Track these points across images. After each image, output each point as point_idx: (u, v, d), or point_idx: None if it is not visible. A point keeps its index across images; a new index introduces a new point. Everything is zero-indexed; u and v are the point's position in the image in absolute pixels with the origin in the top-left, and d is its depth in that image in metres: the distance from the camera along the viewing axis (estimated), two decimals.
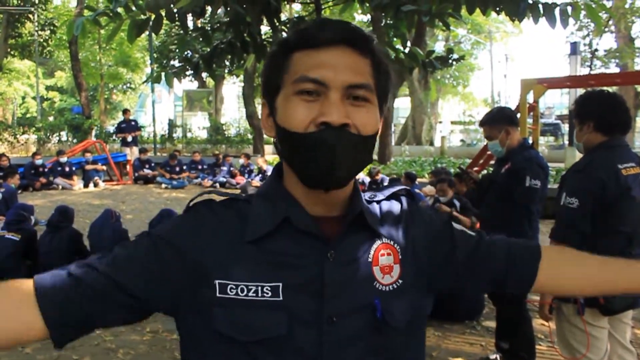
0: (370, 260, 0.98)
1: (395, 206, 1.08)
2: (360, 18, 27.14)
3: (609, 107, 2.70)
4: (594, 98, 2.80)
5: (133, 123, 16.29)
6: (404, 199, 1.11)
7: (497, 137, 3.64)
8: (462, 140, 34.40)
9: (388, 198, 1.09)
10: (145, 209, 10.77)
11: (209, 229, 0.96)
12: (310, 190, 0.95)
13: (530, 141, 5.50)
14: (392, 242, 1.02)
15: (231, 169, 14.68)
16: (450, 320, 4.86)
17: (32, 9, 27.58)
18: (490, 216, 3.84)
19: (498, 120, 3.67)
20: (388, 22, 18.16)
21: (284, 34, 6.77)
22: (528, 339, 3.79)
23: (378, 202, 1.07)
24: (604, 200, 2.54)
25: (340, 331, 0.92)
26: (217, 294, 0.91)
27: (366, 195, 1.07)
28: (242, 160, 14.82)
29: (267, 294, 0.91)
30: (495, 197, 3.70)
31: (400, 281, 0.99)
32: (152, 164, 15.23)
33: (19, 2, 27.72)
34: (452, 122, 43.13)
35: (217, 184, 14.03)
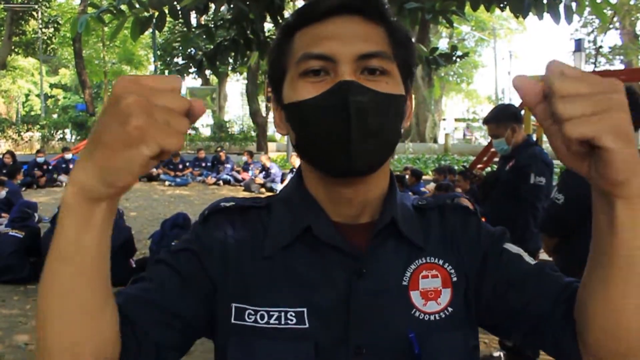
0: (406, 283, 0.81)
1: (452, 218, 0.89)
2: None
3: None
4: None
5: None
6: (463, 211, 0.91)
7: (502, 135, 3.62)
8: (465, 137, 34.38)
9: (443, 207, 0.90)
10: (149, 206, 10.78)
11: (225, 244, 0.82)
12: (332, 185, 0.81)
13: (535, 138, 5.47)
14: (441, 262, 0.83)
15: (233, 166, 14.70)
16: None
17: (36, 6, 27.65)
18: (494, 213, 3.82)
19: (503, 118, 3.65)
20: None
21: None
22: None
23: (430, 209, 0.89)
24: None
25: None
26: (232, 320, 0.79)
27: (414, 200, 0.90)
28: (245, 158, 14.79)
29: (292, 320, 0.77)
30: (500, 194, 3.69)
31: (450, 309, 0.81)
32: None
33: (23, 0, 27.78)
34: (456, 120, 43.13)
35: (221, 181, 14.04)
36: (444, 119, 39.35)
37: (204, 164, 15.37)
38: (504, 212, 3.63)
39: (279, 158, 19.04)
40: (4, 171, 12.18)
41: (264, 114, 22.89)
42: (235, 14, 5.80)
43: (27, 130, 24.30)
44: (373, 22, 0.79)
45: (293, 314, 0.77)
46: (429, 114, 26.78)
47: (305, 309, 0.78)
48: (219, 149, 17.12)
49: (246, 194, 12.51)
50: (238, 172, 14.46)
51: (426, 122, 26.43)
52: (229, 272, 0.80)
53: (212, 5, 5.73)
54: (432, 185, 9.39)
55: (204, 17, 10.92)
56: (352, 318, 0.77)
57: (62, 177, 13.66)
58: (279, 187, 12.94)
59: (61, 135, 25.90)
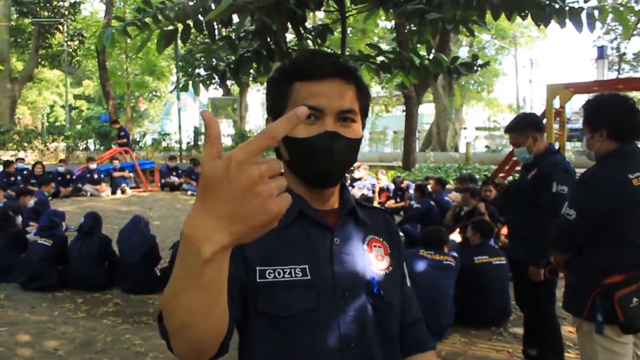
0: (365, 248, 1.24)
1: (378, 214, 1.37)
2: (384, 24, 27.19)
3: (621, 112, 2.57)
4: (604, 103, 2.66)
5: (122, 133, 16.85)
6: (383, 213, 1.40)
7: (524, 144, 3.62)
8: (487, 147, 34.12)
9: (372, 209, 1.37)
10: (172, 216, 10.91)
11: None
12: (312, 187, 1.20)
13: (557, 147, 5.45)
14: (381, 239, 1.29)
15: None
16: (476, 326, 4.84)
17: (62, 20, 28.17)
18: (517, 223, 3.83)
19: (524, 127, 3.65)
20: (412, 29, 18.20)
21: (309, 42, 6.85)
22: (557, 346, 3.76)
23: (367, 207, 1.34)
24: (610, 212, 2.46)
25: (350, 304, 1.16)
26: (258, 279, 1.10)
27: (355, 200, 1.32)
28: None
29: (299, 274, 1.12)
30: (522, 203, 3.69)
31: (391, 268, 1.27)
32: (180, 171, 15.46)
33: (50, 14, 28.36)
34: (477, 128, 42.83)
35: None
36: (464, 128, 39.16)
37: None
38: (525, 221, 3.64)
39: None
40: (33, 181, 12.44)
41: None
42: (258, 25, 5.90)
43: (53, 141, 24.70)
44: (348, 83, 1.17)
45: (299, 270, 1.13)
46: (450, 122, 26.67)
47: (307, 266, 1.13)
48: None
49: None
50: None
51: (447, 131, 26.32)
52: (251, 246, 0.96)
53: (236, 17, 5.83)
54: (454, 194, 9.37)
55: (226, 29, 11.06)
56: (335, 271, 1.16)
57: (87, 187, 13.86)
58: None
59: (85, 145, 26.28)
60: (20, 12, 27.63)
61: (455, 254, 4.84)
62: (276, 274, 1.11)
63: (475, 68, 6.98)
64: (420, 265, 4.62)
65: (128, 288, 5.87)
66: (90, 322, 4.93)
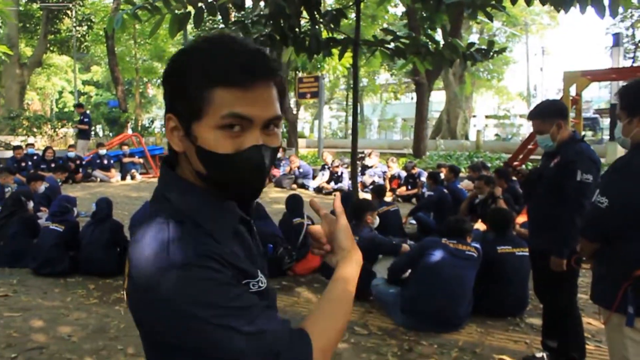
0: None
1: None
2: (394, 11, 26.95)
3: None
4: None
5: (85, 119, 16.34)
6: None
7: (547, 131, 3.52)
8: (496, 135, 33.90)
9: None
10: None
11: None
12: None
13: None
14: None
15: None
16: (492, 316, 4.77)
17: (70, 5, 28.08)
18: (538, 211, 3.74)
19: (549, 114, 3.55)
20: (423, 15, 18.00)
21: (322, 27, 6.75)
22: (579, 338, 3.69)
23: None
24: None
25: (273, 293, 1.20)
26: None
27: None
28: (279, 155, 14.76)
29: (263, 281, 1.09)
30: (544, 191, 3.60)
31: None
32: None
33: None
34: (487, 116, 42.56)
35: None
36: (474, 116, 38.91)
37: None
38: (547, 210, 3.55)
39: (310, 154, 19.01)
40: (43, 166, 12.44)
41: (294, 111, 22.89)
42: (272, 9, 5.80)
43: (62, 127, 24.72)
44: (273, 84, 1.04)
45: (262, 279, 1.08)
46: (460, 110, 26.49)
47: (261, 267, 1.12)
48: None
49: (278, 190, 12.53)
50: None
51: (457, 118, 26.15)
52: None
53: (249, 1, 5.74)
54: (466, 182, 9.29)
55: (239, 13, 10.93)
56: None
57: (97, 173, 13.86)
58: (311, 183, 12.91)
59: (94, 132, 26.31)
60: None
61: (477, 246, 4.77)
62: (256, 284, 1.09)
63: (492, 55, 6.87)
64: (442, 254, 4.55)
65: None
66: (103, 308, 4.90)
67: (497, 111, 41.60)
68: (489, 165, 11.95)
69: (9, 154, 14.61)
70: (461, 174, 9.89)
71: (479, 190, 7.25)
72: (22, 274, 5.90)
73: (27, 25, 29.91)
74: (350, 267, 1.18)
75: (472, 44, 6.66)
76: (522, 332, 4.53)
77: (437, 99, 37.82)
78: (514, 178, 6.17)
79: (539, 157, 4.26)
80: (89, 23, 29.72)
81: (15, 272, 5.98)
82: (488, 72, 37.66)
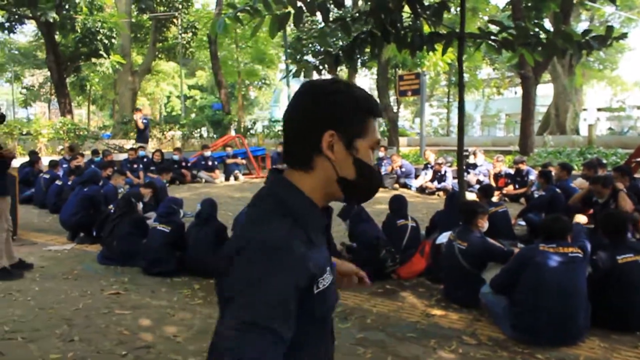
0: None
1: None
2: (496, 2, 25.92)
3: None
4: None
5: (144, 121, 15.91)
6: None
7: None
8: (610, 129, 31.75)
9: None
10: None
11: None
12: (328, 202, 1.34)
13: None
14: None
15: None
16: (618, 330, 4.32)
17: (176, 13, 29.38)
18: None
19: None
20: (528, 4, 17.11)
21: (424, 22, 6.48)
22: None
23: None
24: None
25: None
26: (315, 291, 1.17)
27: None
28: (381, 154, 14.50)
29: (330, 275, 1.24)
30: None
31: None
32: None
33: (165, 8, 29.68)
34: (599, 109, 39.98)
35: None
36: (584, 109, 36.60)
37: None
38: None
39: (411, 153, 18.64)
40: (152, 168, 13.02)
41: (394, 109, 22.59)
42: (373, 4, 5.64)
43: (170, 130, 25.93)
44: None
45: (329, 270, 1.25)
46: (570, 104, 24.95)
47: (329, 266, 1.26)
48: None
49: (380, 190, 12.33)
50: None
51: (566, 112, 24.66)
52: (313, 264, 1.18)
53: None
54: (580, 181, 8.63)
55: (339, 11, 10.88)
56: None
57: (202, 174, 14.31)
58: (413, 182, 12.60)
59: (199, 134, 27.36)
60: (139, 9, 29.10)
61: (583, 243, 4.35)
62: (325, 281, 1.21)
63: (610, 42, 6.30)
64: (544, 262, 4.16)
65: None
66: (207, 309, 4.95)
67: (610, 103, 38.94)
68: (605, 161, 11.11)
69: (123, 156, 15.43)
70: (575, 172, 9.24)
71: (598, 195, 6.68)
72: (133, 273, 6.12)
73: (138, 35, 31.68)
74: None
75: (588, 31, 6.14)
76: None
77: (544, 93, 35.98)
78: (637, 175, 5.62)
79: None
80: (193, 30, 30.94)
81: (126, 270, 6.21)
82: (600, 62, 35.29)
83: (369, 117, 1.29)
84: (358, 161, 1.28)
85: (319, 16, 5.62)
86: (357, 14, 6.13)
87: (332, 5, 5.72)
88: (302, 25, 25.36)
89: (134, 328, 4.42)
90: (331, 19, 6.34)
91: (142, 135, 15.55)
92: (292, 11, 5.47)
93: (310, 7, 5.45)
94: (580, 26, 31.90)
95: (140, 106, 29.50)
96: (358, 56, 6.49)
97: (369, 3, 5.81)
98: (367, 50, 6.61)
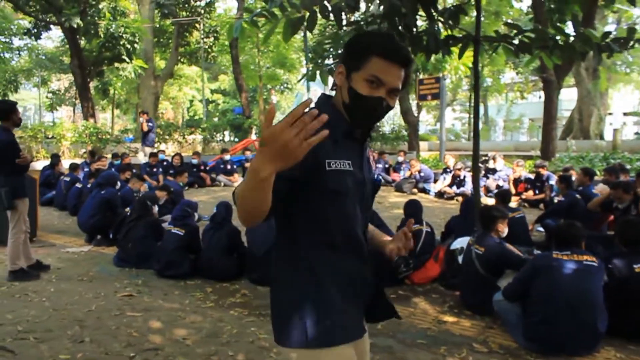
0: (369, 157, 1.85)
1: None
2: (519, 6, 25.63)
3: None
4: None
5: (150, 124, 16.18)
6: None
7: None
8: (637, 133, 31.17)
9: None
10: None
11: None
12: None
13: None
14: (370, 157, 1.88)
15: (386, 165, 14.42)
16: (636, 340, 4.21)
17: (199, 18, 29.62)
18: None
19: None
20: (551, 7, 16.86)
21: (441, 25, 6.43)
22: None
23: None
24: None
25: (367, 189, 1.80)
26: (327, 168, 1.62)
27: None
28: (400, 158, 14.40)
29: (347, 166, 1.67)
30: None
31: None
32: None
33: (187, 13, 29.95)
34: (625, 114, 39.27)
35: None
36: (610, 113, 35.96)
37: None
38: None
39: (431, 157, 18.49)
40: (172, 171, 13.12)
41: (415, 113, 22.45)
42: (386, 8, 5.60)
43: (191, 134, 26.12)
44: (404, 69, 1.67)
45: (347, 164, 1.68)
46: (594, 108, 24.51)
47: (350, 162, 1.69)
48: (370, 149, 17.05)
49: (397, 195, 12.27)
50: (388, 171, 14.22)
51: (590, 117, 24.23)
52: (319, 149, 1.44)
53: (363, 2, 5.58)
54: (601, 187, 8.47)
55: (354, 15, 10.85)
56: (363, 169, 1.77)
57: (221, 177, 14.36)
58: (431, 187, 12.50)
59: (220, 137, 27.53)
60: (162, 14, 29.40)
61: (599, 253, 4.24)
62: (337, 165, 1.64)
63: (632, 44, 6.17)
64: (558, 270, 4.08)
65: (256, 279, 5.88)
66: (218, 312, 4.96)
67: (638, 107, 38.18)
68: (629, 167, 10.90)
69: (145, 160, 15.58)
70: (596, 177, 9.07)
71: (618, 200, 6.54)
72: (147, 275, 6.16)
73: (161, 39, 31.98)
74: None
75: (607, 34, 6.03)
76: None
77: (568, 97, 35.52)
78: None
79: None
80: (215, 34, 31.15)
81: (141, 273, 6.25)
82: (627, 65, 34.62)
83: (370, 57, 1.62)
84: (351, 89, 1.66)
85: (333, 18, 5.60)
86: (371, 18, 6.10)
87: (345, 9, 5.70)
88: (324, 30, 25.42)
89: (144, 330, 4.44)
90: (347, 22, 6.32)
91: (147, 138, 15.84)
92: (306, 15, 5.46)
93: (324, 11, 5.44)
94: (607, 29, 31.42)
95: (163, 110, 29.78)
96: None
97: (382, 7, 5.77)
98: None
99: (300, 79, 7.40)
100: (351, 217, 1.72)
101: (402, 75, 1.65)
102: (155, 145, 21.21)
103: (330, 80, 6.41)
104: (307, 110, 1.25)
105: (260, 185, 1.30)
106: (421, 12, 5.93)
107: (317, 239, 1.69)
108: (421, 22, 10.34)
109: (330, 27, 23.91)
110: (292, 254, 1.71)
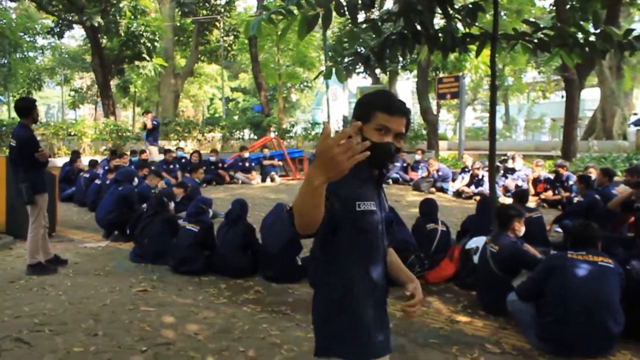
0: (382, 197, 2.10)
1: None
2: (541, 4, 25.33)
3: None
4: None
5: (154, 122, 15.87)
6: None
7: None
8: None
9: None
10: None
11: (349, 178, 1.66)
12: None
13: None
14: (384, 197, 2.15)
15: (404, 164, 14.34)
16: None
17: (219, 17, 29.79)
18: None
19: None
20: (574, 4, 16.63)
21: (459, 24, 6.37)
22: None
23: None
24: None
25: (382, 224, 2.06)
26: (357, 209, 1.91)
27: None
28: (418, 157, 14.32)
29: (373, 207, 1.96)
30: None
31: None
32: None
33: (208, 12, 30.13)
34: None
35: (390, 180, 13.75)
36: (634, 113, 35.35)
37: None
38: None
39: (450, 157, 18.36)
40: (189, 168, 13.20)
41: (434, 112, 22.30)
42: (402, 6, 5.57)
43: (210, 131, 26.26)
44: (405, 118, 1.98)
45: (373, 204, 1.97)
46: (618, 108, 24.11)
47: (374, 202, 1.98)
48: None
49: (415, 194, 12.20)
50: (406, 169, 14.15)
51: (613, 117, 23.83)
52: (344, 191, 1.88)
53: None
54: (622, 187, 8.33)
55: (370, 12, 10.83)
56: (381, 209, 2.05)
57: (239, 175, 14.40)
58: (449, 186, 12.42)
59: (240, 135, 27.65)
60: (182, 13, 29.64)
61: (619, 255, 4.17)
62: (366, 206, 1.93)
63: None
64: (572, 270, 4.02)
65: (270, 276, 5.90)
66: (231, 308, 4.98)
67: None
68: None
69: (161, 157, 15.70)
70: (618, 178, 8.93)
71: (639, 199, 6.44)
72: (162, 271, 6.21)
73: (181, 38, 32.25)
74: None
75: (630, 31, 5.91)
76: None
77: (591, 97, 35.01)
78: None
79: None
80: (235, 33, 31.31)
81: (156, 268, 6.30)
82: None
83: (375, 111, 1.95)
84: (364, 138, 1.83)
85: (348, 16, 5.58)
86: (387, 15, 6.07)
87: (361, 7, 5.68)
88: (343, 28, 25.36)
89: (156, 325, 4.48)
90: (363, 19, 6.29)
91: (152, 135, 15.96)
92: (321, 13, 5.45)
93: (339, 8, 5.42)
94: (634, 27, 30.84)
95: (183, 108, 29.99)
96: (393, 57, 6.37)
97: (396, 4, 5.73)
98: (398, 53, 6.53)
99: (316, 77, 7.38)
100: (374, 248, 2.03)
101: (404, 121, 1.97)
102: (174, 143, 21.37)
103: (353, 80, 6.40)
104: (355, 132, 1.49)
105: (314, 192, 1.51)
106: (438, 10, 5.88)
107: (351, 260, 1.98)
108: (438, 20, 10.28)
109: (349, 25, 23.86)
110: (331, 268, 2.00)
